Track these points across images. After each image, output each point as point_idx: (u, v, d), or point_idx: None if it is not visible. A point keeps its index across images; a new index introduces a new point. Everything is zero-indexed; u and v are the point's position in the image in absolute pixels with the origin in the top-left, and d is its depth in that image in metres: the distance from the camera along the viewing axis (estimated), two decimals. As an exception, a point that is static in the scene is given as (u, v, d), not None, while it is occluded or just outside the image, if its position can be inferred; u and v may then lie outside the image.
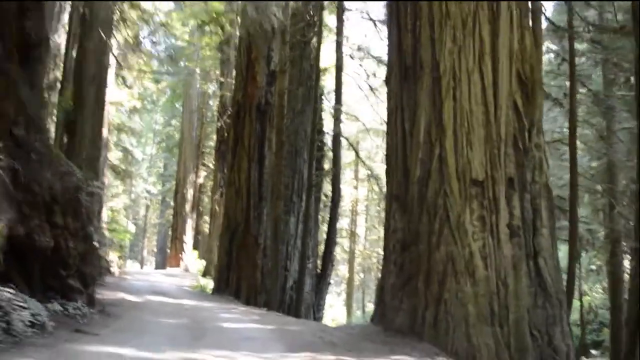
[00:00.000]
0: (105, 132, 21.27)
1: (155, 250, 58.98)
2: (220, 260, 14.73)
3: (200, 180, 36.74)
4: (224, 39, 26.99)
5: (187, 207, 34.72)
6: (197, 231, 36.67)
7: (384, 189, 24.14)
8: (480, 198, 6.47)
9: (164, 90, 28.31)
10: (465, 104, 6.65)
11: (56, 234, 5.81)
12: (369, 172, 21.15)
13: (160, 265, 42.75)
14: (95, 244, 9.61)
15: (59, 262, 5.95)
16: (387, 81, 7.83)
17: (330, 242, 19.79)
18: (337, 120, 17.62)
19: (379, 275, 29.70)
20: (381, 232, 40.42)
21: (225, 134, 19.34)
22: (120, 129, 30.51)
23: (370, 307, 46.54)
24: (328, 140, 21.98)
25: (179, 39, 33.23)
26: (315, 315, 18.14)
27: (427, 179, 6.61)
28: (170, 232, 38.09)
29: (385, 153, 7.75)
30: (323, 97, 19.09)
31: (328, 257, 19.78)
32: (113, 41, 21.34)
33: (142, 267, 56.19)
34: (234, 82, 16.71)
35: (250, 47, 14.65)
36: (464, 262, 6.23)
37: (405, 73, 7.16)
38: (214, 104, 35.54)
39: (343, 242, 37.07)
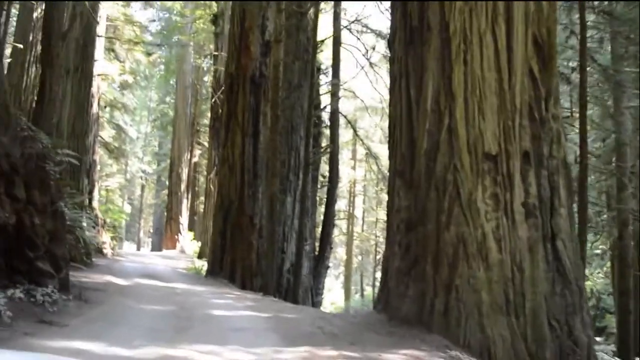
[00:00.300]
0: (95, 106, 20.53)
1: (151, 231, 58.54)
2: (214, 241, 14.14)
3: (195, 159, 36.03)
4: (218, 11, 26.17)
5: (182, 186, 34.07)
6: (193, 212, 36.06)
7: (383, 169, 23.55)
8: (494, 174, 5.83)
9: (155, 63, 27.36)
10: (477, 69, 5.98)
11: (18, 209, 5.15)
12: (367, 151, 20.50)
13: (157, 246, 42.34)
14: (68, 222, 8.97)
15: (25, 242, 5.30)
16: (390, 44, 7.14)
17: (329, 223, 19.22)
18: (334, 95, 16.93)
19: (379, 258, 29.17)
20: (380, 214, 40.10)
21: (219, 110, 18.63)
22: (112, 105, 29.69)
23: (368, 290, 46.32)
24: (325, 118, 21.34)
25: (171, 12, 32.38)
26: (313, 299, 17.65)
27: (435, 152, 5.97)
28: (165, 213, 37.51)
29: (388, 126, 7.09)
30: (320, 71, 18.30)
31: (326, 239, 19.24)
32: (103, 11, 20.51)
33: (138, 249, 55.78)
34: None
35: (244, 16, 13.87)
36: (476, 244, 5.62)
37: (411, 35, 6.46)
38: (208, 80, 34.74)
39: (341, 224, 36.56)
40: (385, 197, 34.95)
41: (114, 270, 11.72)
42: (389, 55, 7.30)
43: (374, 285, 43.75)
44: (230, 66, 14.09)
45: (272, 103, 13.09)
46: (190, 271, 17.07)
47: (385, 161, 30.54)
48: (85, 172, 20.24)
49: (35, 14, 19.16)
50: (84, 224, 13.21)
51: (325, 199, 24.04)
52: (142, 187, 59.44)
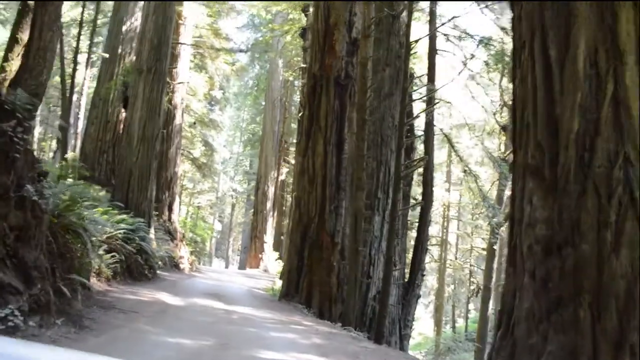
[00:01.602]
0: (178, 117, 19.99)
1: (240, 249, 58.64)
2: (290, 261, 12.60)
3: (282, 177, 35.15)
4: (307, 24, 25.19)
5: (268, 204, 33.21)
6: (280, 231, 35.11)
7: (484, 189, 21.07)
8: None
9: (238, 73, 26.74)
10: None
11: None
12: (466, 169, 18.29)
13: (243, 265, 41.79)
14: (125, 230, 7.75)
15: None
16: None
17: (421, 246, 17.11)
18: (429, 102, 15.00)
19: (473, 288, 26.36)
20: (475, 241, 37.06)
21: (299, 115, 17.31)
22: (200, 120, 29.47)
23: (460, 322, 43.00)
24: (418, 130, 19.40)
25: (258, 25, 31.97)
26: (401, 331, 15.58)
27: (592, 137, 3.99)
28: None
29: (511, 109, 5.16)
30: (414, 77, 16.46)
31: (418, 265, 17.12)
32: (189, 20, 20.04)
33: (227, 267, 56.06)
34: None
35: (329, 12, 12.42)
36: (661, 277, 3.55)
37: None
38: (298, 97, 33.94)
39: (432, 250, 33.99)
40: (481, 223, 32.10)
41: (176, 287, 10.48)
42: (511, 13, 5.38)
43: (466, 317, 40.50)
44: (313, 67, 12.65)
45: (358, 106, 11.45)
46: (267, 292, 15.70)
47: (486, 179, 27.88)
48: (165, 184, 19.62)
49: (124, 27, 18.97)
50: (150, 235, 12.15)
51: (416, 222, 21.99)
52: (233, 205, 60.00)
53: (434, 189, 19.74)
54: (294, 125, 33.77)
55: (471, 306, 42.10)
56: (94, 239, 7.55)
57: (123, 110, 13.59)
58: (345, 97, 12.23)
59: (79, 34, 20.62)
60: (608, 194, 3.86)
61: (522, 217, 4.50)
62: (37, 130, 41.07)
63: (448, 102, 18.20)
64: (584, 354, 3.71)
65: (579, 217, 3.96)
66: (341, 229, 12.08)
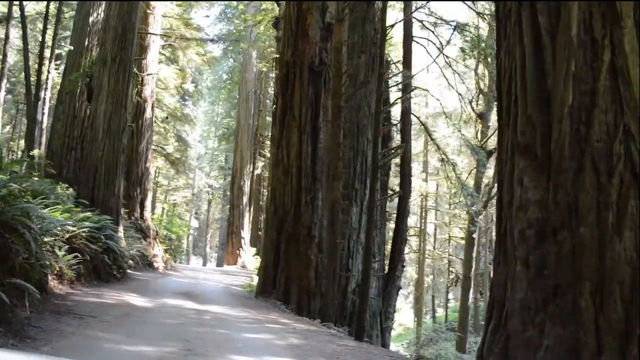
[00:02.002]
0: (149, 110, 19.32)
1: (217, 246, 57.87)
2: (267, 256, 12.15)
3: (258, 171, 34.61)
4: (280, 14, 24.65)
5: (244, 199, 32.66)
6: (257, 226, 34.59)
7: (463, 176, 20.86)
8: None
9: (210, 64, 26.08)
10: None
11: None
12: (444, 157, 18.01)
13: (221, 261, 41.20)
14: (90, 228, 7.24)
15: None
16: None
17: (400, 237, 16.82)
18: (406, 89, 14.64)
19: (452, 277, 26.32)
20: (454, 230, 37.06)
21: (273, 107, 16.84)
22: (173, 114, 28.73)
23: (440, 312, 43.08)
24: (395, 118, 19.08)
25: (230, 16, 31.25)
26: (382, 324, 15.30)
27: (589, 109, 3.63)
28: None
29: (496, 82, 4.78)
30: (390, 63, 16.08)
31: (397, 256, 16.84)
32: (158, 10, 19.33)
33: (204, 264, 55.32)
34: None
35: (301, -4, 11.95)
36: (667, 261, 3.22)
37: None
38: (272, 89, 33.32)
39: (410, 241, 33.84)
40: (459, 212, 32.03)
41: (146, 287, 9.97)
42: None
43: (446, 307, 40.57)
44: (286, 53, 12.18)
45: (333, 93, 11.03)
46: (245, 289, 15.24)
47: (463, 168, 27.70)
48: (136, 180, 18.96)
49: (91, 18, 18.20)
50: (118, 233, 11.58)
51: (394, 213, 21.70)
52: (209, 201, 59.20)
53: (411, 179, 19.48)
54: (269, 119, 33.20)
55: (450, 295, 42.21)
56: (50, 238, 7.01)
57: (87, 103, 12.94)
58: (320, 84, 11.80)
59: (44, 27, 19.78)
60: (608, 171, 3.51)
61: (511, 199, 4.13)
62: (5, 130, 39.82)
63: (425, 90, 17.89)
64: (586, 348, 3.36)
65: (576, 198, 3.60)
66: (318, 221, 11.68)
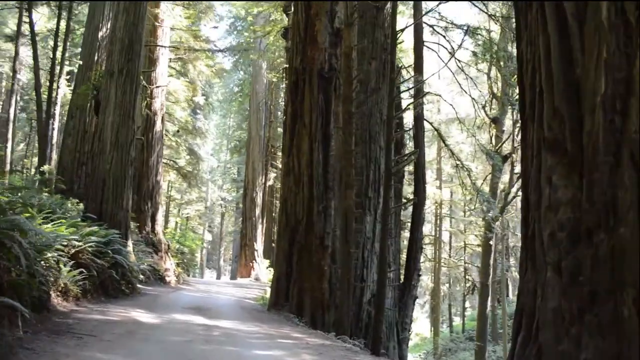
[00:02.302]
0: (159, 124, 19.20)
1: (231, 259, 57.65)
2: (279, 268, 11.84)
3: (270, 182, 34.39)
4: (289, 24, 24.54)
5: (257, 211, 32.41)
6: (270, 238, 34.29)
7: (478, 182, 20.43)
8: None
9: (220, 75, 25.99)
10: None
11: None
12: (458, 163, 17.61)
13: (235, 274, 40.97)
14: (97, 243, 7.02)
15: None
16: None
17: (415, 245, 16.42)
18: (418, 94, 14.33)
19: (468, 286, 25.73)
20: (469, 238, 36.49)
21: (283, 114, 16.60)
22: (184, 128, 28.67)
23: (457, 320, 42.38)
24: (408, 124, 18.77)
25: (240, 28, 31.22)
26: (399, 335, 14.88)
27: (624, 98, 3.31)
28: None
29: (517, 73, 4.45)
30: (401, 68, 15.80)
31: (413, 265, 16.43)
32: (167, 22, 19.26)
33: (218, 277, 55.15)
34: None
35: (309, 2, 11.73)
36: None
37: None
38: (283, 100, 33.17)
39: (425, 249, 33.33)
40: (475, 219, 31.51)
41: (156, 302, 9.70)
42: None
43: (463, 316, 39.89)
44: (295, 60, 11.95)
45: (344, 99, 10.75)
46: (258, 302, 14.93)
47: (478, 174, 27.21)
48: (147, 194, 18.80)
49: (100, 33, 18.17)
50: (127, 248, 11.34)
51: (408, 222, 21.29)
52: (222, 214, 59.13)
53: (425, 186, 19.09)
54: (281, 130, 33.01)
55: (467, 304, 41.56)
56: (53, 254, 6.77)
57: (95, 116, 12.80)
58: (330, 91, 11.53)
59: (55, 44, 19.83)
60: (649, 165, 3.18)
61: (539, 200, 3.79)
62: (19, 148, 40.08)
63: (437, 95, 17.56)
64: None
65: (614, 195, 3.27)
66: (331, 230, 11.36)
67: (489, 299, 25.05)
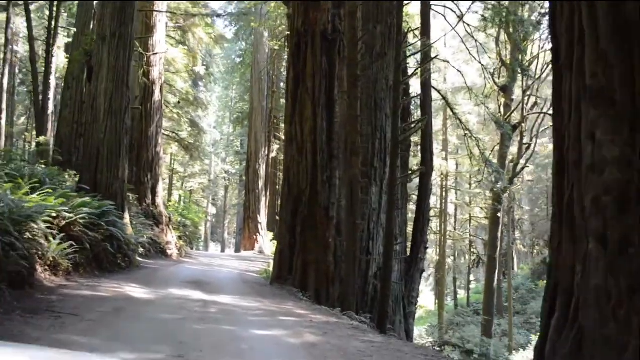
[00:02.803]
0: (157, 93, 18.59)
1: (235, 232, 57.56)
2: (282, 240, 11.40)
3: (273, 154, 33.87)
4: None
5: (260, 183, 31.96)
6: (274, 210, 33.92)
7: (487, 152, 19.84)
8: None
9: (219, 42, 25.25)
10: None
11: None
12: (466, 132, 17.01)
13: (239, 247, 40.82)
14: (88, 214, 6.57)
15: None
16: None
17: (422, 217, 15.95)
18: (425, 59, 13.67)
19: (473, 259, 25.40)
20: (475, 210, 36.01)
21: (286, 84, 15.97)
22: (185, 99, 28.02)
23: (462, 293, 42.21)
24: (413, 92, 18.11)
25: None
26: (405, 310, 14.52)
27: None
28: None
29: (549, 13, 3.86)
30: (408, 32, 15.08)
31: (420, 237, 15.98)
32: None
33: (223, 250, 55.12)
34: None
35: (311, -42, 11.02)
36: None
37: None
38: (284, 69, 32.39)
39: (431, 221, 32.87)
40: (481, 191, 31.00)
41: (154, 276, 9.30)
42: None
43: (468, 289, 39.70)
44: (296, 21, 11.31)
45: (349, 62, 10.12)
46: (261, 275, 14.56)
47: (485, 144, 26.60)
48: (147, 165, 18.31)
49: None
50: (124, 220, 10.89)
51: (413, 194, 20.80)
52: (226, 187, 58.83)
53: (433, 155, 18.53)
54: (284, 100, 32.34)
55: (471, 277, 41.39)
56: (38, 226, 6.31)
57: (89, 83, 12.22)
58: (334, 54, 10.92)
59: (51, 12, 19.15)
60: None
61: (579, 159, 3.26)
62: (20, 121, 39.55)
63: (445, 62, 16.85)
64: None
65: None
66: (336, 201, 10.88)
67: (496, 272, 24.70)
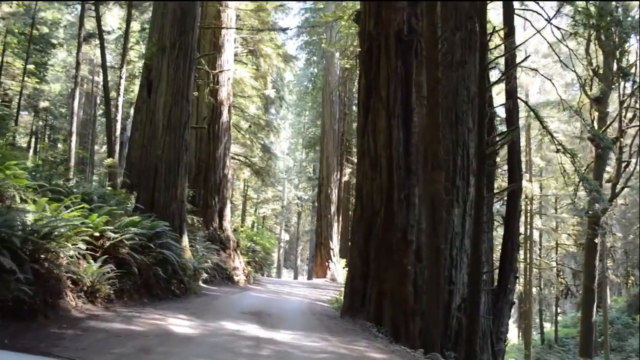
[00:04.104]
0: (225, 114, 18.07)
1: (308, 259, 56.80)
2: (353, 267, 10.14)
3: (346, 178, 32.77)
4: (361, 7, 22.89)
5: (332, 208, 30.90)
6: (346, 236, 32.73)
7: (583, 168, 17.74)
8: None
9: (286, 59, 24.66)
10: None
11: None
12: (559, 148, 15.13)
13: (311, 274, 39.84)
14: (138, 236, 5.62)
15: None
16: None
17: (512, 242, 14.15)
18: (511, 64, 12.16)
19: (561, 289, 22.87)
20: (562, 237, 33.11)
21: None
22: (256, 123, 27.66)
23: (547, 327, 38.86)
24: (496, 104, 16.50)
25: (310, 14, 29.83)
26: (494, 347, 12.76)
27: None
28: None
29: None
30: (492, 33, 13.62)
31: (509, 265, 14.16)
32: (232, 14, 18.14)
33: (295, 277, 54.46)
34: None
35: (383, -46, 9.97)
36: None
37: None
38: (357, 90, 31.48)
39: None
40: (569, 217, 28.38)
41: (210, 305, 8.32)
42: None
43: (555, 322, 36.56)
44: (367, 23, 10.25)
45: (428, 63, 8.88)
46: (332, 305, 13.33)
47: (584, 159, 24.22)
48: (214, 188, 17.71)
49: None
50: (182, 243, 10.04)
51: (495, 219, 18.96)
52: (299, 214, 58.46)
53: (522, 172, 16.71)
54: (356, 124, 31.39)
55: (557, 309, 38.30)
56: (73, 245, 5.45)
57: (148, 97, 11.70)
58: (410, 57, 9.72)
59: (126, 38, 19.34)
60: None
61: None
62: (102, 149, 40.86)
63: (534, 70, 15.18)
64: None
65: None
66: (415, 223, 9.53)
67: (595, 304, 22.11)
